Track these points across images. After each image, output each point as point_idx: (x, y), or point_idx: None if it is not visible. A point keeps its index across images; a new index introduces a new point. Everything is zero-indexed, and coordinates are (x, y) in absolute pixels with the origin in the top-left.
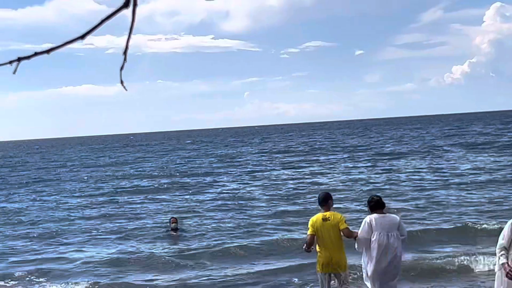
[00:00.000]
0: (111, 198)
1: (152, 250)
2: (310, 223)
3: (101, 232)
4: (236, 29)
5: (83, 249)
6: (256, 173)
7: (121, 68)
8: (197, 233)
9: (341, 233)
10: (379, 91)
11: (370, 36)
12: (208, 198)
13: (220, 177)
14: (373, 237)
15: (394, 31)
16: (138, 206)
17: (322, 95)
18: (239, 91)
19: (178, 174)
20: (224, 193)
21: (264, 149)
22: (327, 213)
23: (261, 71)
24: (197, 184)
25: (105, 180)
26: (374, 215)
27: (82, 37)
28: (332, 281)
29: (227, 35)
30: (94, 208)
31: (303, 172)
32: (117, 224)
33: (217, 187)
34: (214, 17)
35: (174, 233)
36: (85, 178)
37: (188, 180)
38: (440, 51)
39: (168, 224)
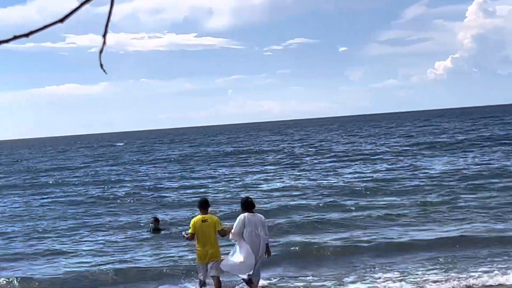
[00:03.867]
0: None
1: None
2: (191, 223)
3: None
4: (219, 27)
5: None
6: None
7: (101, 51)
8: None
9: (217, 232)
10: (363, 87)
11: (353, 33)
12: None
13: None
14: (245, 231)
15: (377, 28)
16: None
17: (306, 92)
18: (223, 89)
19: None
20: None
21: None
22: (206, 216)
23: (245, 69)
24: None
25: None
26: (246, 214)
27: (62, 20)
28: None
29: (210, 33)
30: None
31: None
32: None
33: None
34: (197, 15)
35: (155, 234)
36: None
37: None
38: (423, 47)
39: (151, 225)
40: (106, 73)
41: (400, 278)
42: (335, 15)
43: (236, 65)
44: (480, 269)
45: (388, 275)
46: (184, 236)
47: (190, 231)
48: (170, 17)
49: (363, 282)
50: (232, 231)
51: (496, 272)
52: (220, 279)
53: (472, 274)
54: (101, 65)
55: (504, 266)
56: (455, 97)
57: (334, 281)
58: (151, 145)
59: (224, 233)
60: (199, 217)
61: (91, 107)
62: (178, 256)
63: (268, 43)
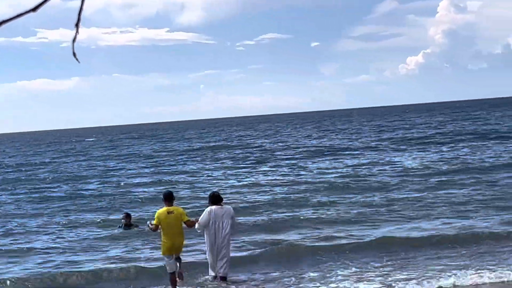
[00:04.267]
0: None
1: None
2: (156, 215)
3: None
4: (191, 21)
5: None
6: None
7: (74, 40)
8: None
9: (183, 224)
10: (336, 82)
11: (325, 28)
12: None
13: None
14: (211, 223)
15: (349, 23)
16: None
17: (278, 88)
18: (195, 84)
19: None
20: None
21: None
22: (171, 208)
23: (217, 64)
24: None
25: None
26: (214, 207)
27: (34, 9)
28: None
29: (182, 27)
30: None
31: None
32: None
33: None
34: (169, 9)
35: (126, 231)
36: None
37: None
38: (395, 42)
39: (122, 220)
40: (79, 62)
41: (371, 277)
42: (307, 10)
43: (208, 60)
44: (452, 268)
45: (357, 273)
46: (149, 226)
47: (154, 222)
48: (142, 12)
49: (326, 280)
50: (198, 221)
51: (470, 271)
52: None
53: (445, 273)
54: (74, 54)
55: (479, 264)
56: (427, 92)
57: (300, 279)
58: (122, 140)
59: (190, 224)
60: (164, 209)
61: (62, 102)
62: (150, 254)
63: (240, 38)
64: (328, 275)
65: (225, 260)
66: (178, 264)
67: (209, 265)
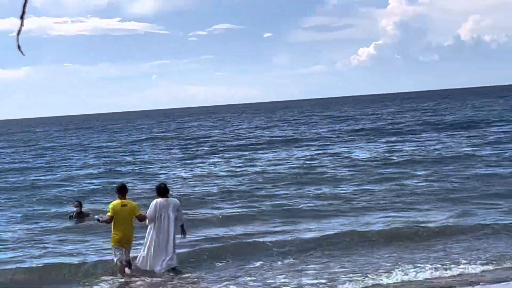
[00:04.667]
0: None
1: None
2: (110, 207)
3: None
4: (143, 11)
5: None
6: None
7: (18, 33)
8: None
9: (136, 218)
10: (288, 73)
11: (278, 19)
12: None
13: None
14: (157, 215)
15: (302, 14)
16: None
17: (231, 78)
18: (147, 74)
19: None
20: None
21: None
22: (125, 201)
23: (169, 54)
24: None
25: None
26: (159, 199)
27: None
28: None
29: (134, 17)
30: None
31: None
32: None
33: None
34: None
35: (78, 220)
36: None
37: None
38: (347, 33)
39: (75, 208)
40: (24, 55)
41: (310, 271)
42: (260, 1)
43: (160, 50)
44: (405, 262)
45: (297, 268)
46: (99, 220)
47: (109, 213)
48: (93, 2)
49: (264, 276)
50: (147, 214)
51: (420, 265)
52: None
53: (397, 267)
54: (19, 47)
55: (428, 258)
56: (378, 83)
57: (243, 275)
58: (72, 130)
59: (142, 218)
60: (118, 201)
61: (12, 91)
62: (103, 248)
63: (192, 28)
64: (269, 270)
65: (171, 253)
66: (127, 255)
67: (144, 258)
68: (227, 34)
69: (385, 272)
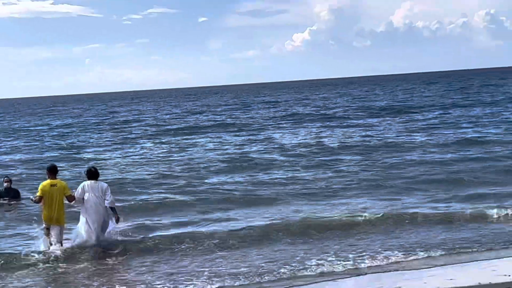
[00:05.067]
0: None
1: None
2: (40, 187)
3: None
4: None
5: None
6: None
7: None
8: None
9: (65, 197)
10: (223, 58)
11: (213, 3)
12: None
13: None
14: (86, 197)
15: None
16: None
17: (165, 62)
18: (80, 57)
19: None
20: None
21: None
22: (55, 181)
23: (103, 38)
24: None
25: None
26: (89, 182)
27: None
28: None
29: (67, 0)
30: None
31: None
32: None
33: None
34: None
35: (8, 200)
36: None
37: None
38: (282, 18)
39: (5, 184)
40: None
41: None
42: None
43: (94, 33)
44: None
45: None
46: (32, 199)
47: (38, 194)
48: None
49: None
50: (75, 196)
51: (350, 256)
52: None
53: (309, 260)
54: None
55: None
56: (313, 69)
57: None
58: (0, 115)
59: (71, 198)
60: (48, 181)
61: None
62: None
63: (126, 11)
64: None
65: (101, 232)
66: (57, 234)
67: (77, 237)
68: (162, 18)
69: (302, 265)
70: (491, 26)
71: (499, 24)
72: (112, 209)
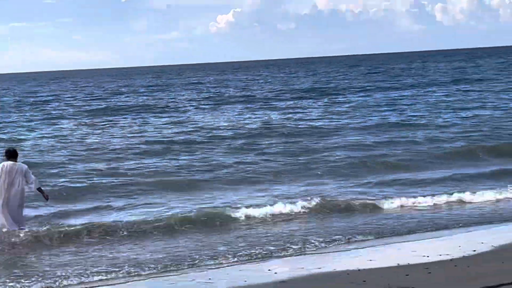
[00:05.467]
0: None
1: None
2: None
3: None
4: None
5: None
6: None
7: None
8: None
9: None
10: (146, 39)
11: None
12: None
13: None
14: (3, 179)
15: None
16: None
17: (88, 42)
18: (1, 36)
19: None
20: None
21: None
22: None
23: (24, 16)
24: None
25: None
26: (8, 162)
27: None
28: None
29: None
30: None
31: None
32: None
33: None
34: None
35: None
36: None
37: None
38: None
39: None
40: None
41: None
42: None
43: (14, 12)
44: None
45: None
46: None
47: None
48: None
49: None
50: None
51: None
52: None
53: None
54: None
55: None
56: (237, 51)
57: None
58: None
59: None
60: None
61: None
62: None
63: None
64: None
65: (18, 215)
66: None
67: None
68: None
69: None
70: (414, 10)
71: (422, 9)
72: (39, 189)
